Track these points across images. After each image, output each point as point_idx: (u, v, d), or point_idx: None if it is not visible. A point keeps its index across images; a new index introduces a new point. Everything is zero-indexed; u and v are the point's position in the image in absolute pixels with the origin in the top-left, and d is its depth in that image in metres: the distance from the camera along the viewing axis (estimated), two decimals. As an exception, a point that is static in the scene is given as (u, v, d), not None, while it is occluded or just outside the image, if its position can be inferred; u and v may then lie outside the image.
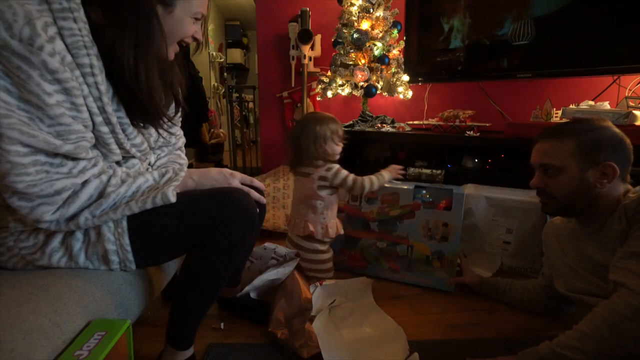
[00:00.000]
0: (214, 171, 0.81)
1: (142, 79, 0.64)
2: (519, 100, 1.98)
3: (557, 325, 1.05)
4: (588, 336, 0.67)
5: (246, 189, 0.79)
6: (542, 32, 1.56)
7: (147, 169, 0.83)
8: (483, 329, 1.05)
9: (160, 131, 0.80)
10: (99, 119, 0.63)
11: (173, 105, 0.82)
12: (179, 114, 0.86)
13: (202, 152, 3.74)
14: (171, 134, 0.87)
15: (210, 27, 4.67)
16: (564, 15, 1.51)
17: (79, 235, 0.66)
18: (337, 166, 1.21)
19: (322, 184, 1.20)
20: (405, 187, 1.26)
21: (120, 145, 0.69)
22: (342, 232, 1.27)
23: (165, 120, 0.75)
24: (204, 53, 4.37)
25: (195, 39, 0.74)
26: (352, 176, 1.20)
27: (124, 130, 0.68)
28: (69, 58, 0.56)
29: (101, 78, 0.61)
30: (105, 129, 0.64)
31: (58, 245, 0.65)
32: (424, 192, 1.24)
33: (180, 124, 0.91)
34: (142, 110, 0.69)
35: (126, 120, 0.68)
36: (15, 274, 0.64)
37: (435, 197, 1.21)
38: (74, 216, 0.62)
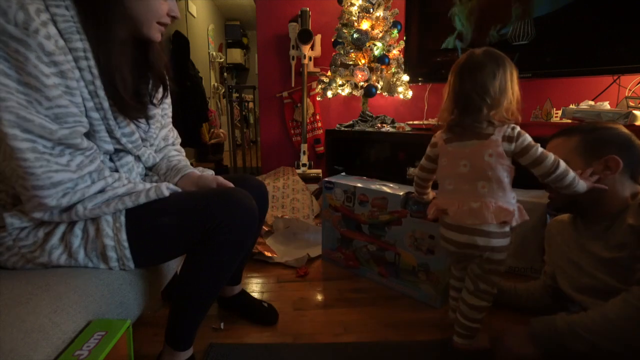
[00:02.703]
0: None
1: (102, 62, 0.64)
2: (519, 100, 1.98)
3: (557, 325, 1.05)
4: (613, 324, 0.67)
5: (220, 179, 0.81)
6: (542, 32, 1.56)
7: (146, 174, 0.83)
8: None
9: (152, 122, 0.80)
10: (90, 104, 0.64)
11: (167, 98, 0.83)
12: (167, 97, 0.86)
13: (202, 152, 3.74)
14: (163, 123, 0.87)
15: (210, 27, 4.67)
16: (564, 15, 1.51)
17: (78, 231, 0.66)
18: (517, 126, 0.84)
19: (507, 148, 0.81)
20: (394, 192, 1.21)
21: (110, 133, 0.69)
22: (526, 217, 0.87)
23: (136, 108, 0.74)
24: (204, 53, 4.37)
25: (172, 17, 0.73)
26: (539, 145, 0.82)
27: (115, 118, 0.68)
28: (61, 42, 0.58)
29: (94, 62, 0.62)
30: (95, 114, 0.65)
31: (57, 242, 0.65)
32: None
33: (170, 116, 0.91)
34: (111, 98, 0.67)
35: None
36: (15, 273, 0.65)
37: (427, 205, 1.19)
38: (68, 208, 0.63)
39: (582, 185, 0.82)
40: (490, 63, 0.84)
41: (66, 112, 0.58)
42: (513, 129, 0.82)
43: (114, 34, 0.64)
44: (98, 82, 0.63)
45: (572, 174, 0.82)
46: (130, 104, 0.69)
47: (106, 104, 0.65)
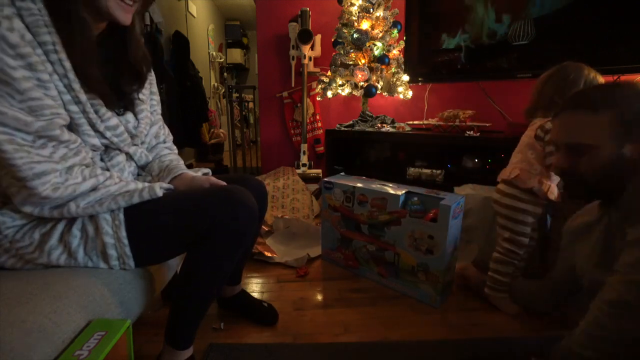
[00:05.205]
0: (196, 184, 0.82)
1: (67, 46, 0.62)
2: (519, 100, 1.98)
3: (558, 325, 1.06)
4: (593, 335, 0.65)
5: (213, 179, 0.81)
6: (542, 32, 1.56)
7: (139, 174, 0.83)
8: (483, 329, 1.05)
9: (140, 117, 0.79)
10: (67, 97, 0.63)
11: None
12: (155, 94, 0.86)
13: (202, 152, 3.74)
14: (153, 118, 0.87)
15: (210, 27, 4.67)
16: (564, 15, 1.51)
17: (76, 231, 0.66)
18: None
19: (539, 135, 1.05)
20: (394, 192, 1.21)
21: (93, 127, 0.68)
22: (552, 198, 1.06)
23: (111, 95, 0.71)
24: (204, 53, 4.37)
25: None
26: None
27: (96, 111, 0.68)
28: (28, 36, 0.57)
29: (65, 55, 0.61)
30: (74, 107, 0.64)
31: (56, 242, 0.65)
32: (415, 198, 1.21)
33: (160, 112, 0.90)
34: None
35: (99, 102, 0.68)
36: (15, 273, 0.65)
37: (426, 205, 1.19)
38: (59, 205, 0.63)
39: None
40: (567, 70, 1.03)
41: (41, 104, 0.58)
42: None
43: (76, 15, 0.62)
44: (71, 75, 0.62)
45: None
46: (101, 90, 0.68)
47: (83, 97, 0.64)
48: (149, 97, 0.85)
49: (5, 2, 0.55)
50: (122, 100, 0.76)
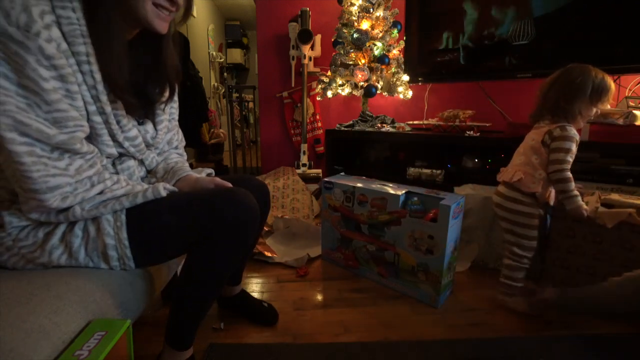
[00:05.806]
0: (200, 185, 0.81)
1: (101, 54, 0.62)
2: (519, 100, 1.98)
3: (557, 325, 1.05)
4: None
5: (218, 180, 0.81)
6: (542, 32, 1.56)
7: (145, 176, 0.83)
8: (483, 329, 1.05)
9: (159, 128, 0.80)
10: (92, 108, 0.63)
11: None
12: (175, 102, 0.86)
13: (202, 152, 3.74)
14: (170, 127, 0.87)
15: (210, 27, 4.67)
16: (563, 15, 1.51)
17: (78, 231, 0.66)
18: (573, 132, 1.01)
19: (545, 141, 1.04)
20: (394, 192, 1.21)
21: (113, 137, 0.69)
22: (552, 204, 1.09)
23: (138, 106, 0.72)
24: (204, 53, 4.37)
25: (173, 3, 0.67)
26: (569, 161, 1.01)
27: (118, 122, 0.68)
28: (64, 46, 0.57)
29: (97, 67, 0.61)
30: (98, 118, 0.65)
31: (57, 242, 0.65)
32: (415, 199, 1.21)
33: (177, 118, 0.90)
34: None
35: (122, 112, 0.69)
36: (15, 273, 0.65)
37: (426, 205, 1.19)
38: (65, 209, 0.63)
39: (575, 203, 1.01)
40: (573, 73, 1.02)
41: (66, 116, 0.58)
42: (562, 128, 1.01)
43: (114, 23, 0.63)
44: (100, 87, 0.63)
45: (570, 188, 1.01)
46: (127, 100, 0.68)
47: (108, 109, 0.65)
48: (169, 105, 0.85)
49: (47, 9, 0.55)
50: (144, 109, 0.76)
